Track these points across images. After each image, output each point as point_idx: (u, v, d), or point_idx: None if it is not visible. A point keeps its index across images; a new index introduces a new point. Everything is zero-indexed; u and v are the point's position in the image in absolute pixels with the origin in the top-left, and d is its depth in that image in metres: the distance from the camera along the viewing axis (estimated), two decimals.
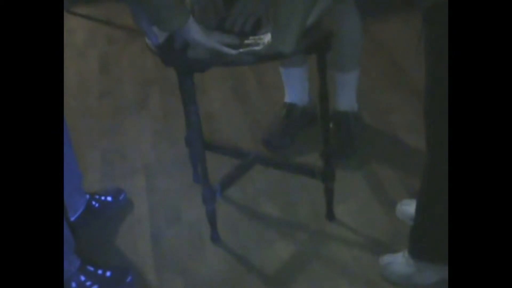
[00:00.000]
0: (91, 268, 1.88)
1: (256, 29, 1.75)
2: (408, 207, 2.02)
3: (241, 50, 1.68)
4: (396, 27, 3.29)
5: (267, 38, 1.68)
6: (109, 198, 2.21)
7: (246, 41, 1.71)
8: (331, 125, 2.37)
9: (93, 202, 2.17)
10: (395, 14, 3.39)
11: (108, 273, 1.89)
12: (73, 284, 1.83)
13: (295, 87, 2.50)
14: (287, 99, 2.53)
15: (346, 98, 2.41)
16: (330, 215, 2.10)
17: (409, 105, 2.63)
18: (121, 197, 2.23)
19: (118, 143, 2.60)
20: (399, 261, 1.84)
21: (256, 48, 1.68)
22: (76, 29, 3.62)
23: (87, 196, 2.16)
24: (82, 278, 1.85)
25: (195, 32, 1.66)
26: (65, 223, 1.79)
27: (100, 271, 1.89)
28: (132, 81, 3.05)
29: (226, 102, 2.81)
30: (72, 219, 2.09)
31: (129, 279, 1.90)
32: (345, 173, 2.24)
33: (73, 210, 2.09)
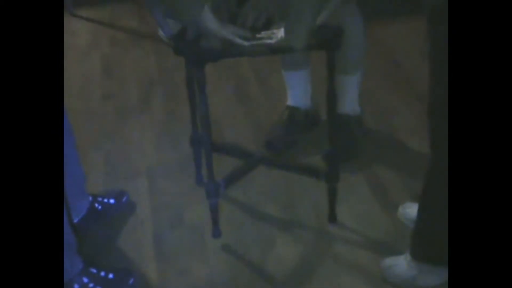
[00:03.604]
0: (94, 270, 1.88)
1: (267, 26, 1.78)
2: (410, 210, 2.02)
3: (254, 42, 1.72)
4: (399, 30, 3.29)
5: (280, 32, 1.71)
6: (111, 200, 2.21)
7: (258, 35, 1.75)
8: None
9: (96, 204, 2.17)
10: (398, 17, 3.39)
11: (110, 275, 1.90)
12: (76, 286, 1.84)
13: (297, 90, 2.50)
14: (290, 102, 2.53)
15: (349, 101, 2.41)
16: (332, 217, 2.10)
17: (412, 108, 2.64)
18: (123, 199, 2.24)
19: (121, 145, 2.60)
20: (401, 264, 1.85)
21: (269, 41, 1.71)
22: (79, 31, 3.62)
23: (90, 198, 2.17)
24: (85, 280, 1.85)
25: (210, 21, 1.70)
26: (68, 225, 1.79)
27: (102, 273, 1.89)
28: (135, 83, 3.06)
29: (228, 105, 2.82)
30: (75, 221, 2.09)
31: (131, 281, 1.90)
32: (347, 176, 2.24)
33: (76, 212, 2.10)
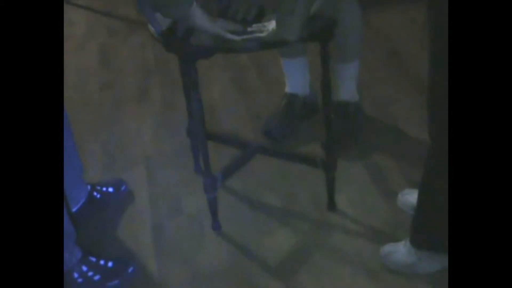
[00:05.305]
0: (93, 259, 1.89)
1: (258, 18, 1.76)
2: (409, 197, 2.03)
3: (244, 36, 1.69)
4: (396, 18, 3.28)
5: (271, 25, 1.69)
6: (110, 189, 2.21)
7: (250, 29, 1.72)
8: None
9: (95, 193, 2.17)
10: (395, 5, 3.38)
11: (109, 264, 1.90)
12: (75, 275, 1.84)
13: (296, 77, 2.50)
14: (288, 89, 2.53)
15: (347, 89, 2.41)
16: (331, 205, 2.10)
17: (410, 96, 2.63)
18: (122, 188, 2.24)
19: (118, 134, 2.60)
20: (400, 251, 1.85)
21: (260, 35, 1.69)
22: (76, 21, 3.61)
23: (89, 187, 2.17)
24: (84, 268, 1.85)
25: (199, 17, 1.67)
26: (66, 214, 1.79)
27: (102, 262, 1.89)
28: (132, 72, 3.05)
29: (226, 93, 2.81)
30: (74, 210, 2.09)
31: (130, 269, 1.90)
32: (346, 163, 2.24)
33: (75, 201, 2.10)
